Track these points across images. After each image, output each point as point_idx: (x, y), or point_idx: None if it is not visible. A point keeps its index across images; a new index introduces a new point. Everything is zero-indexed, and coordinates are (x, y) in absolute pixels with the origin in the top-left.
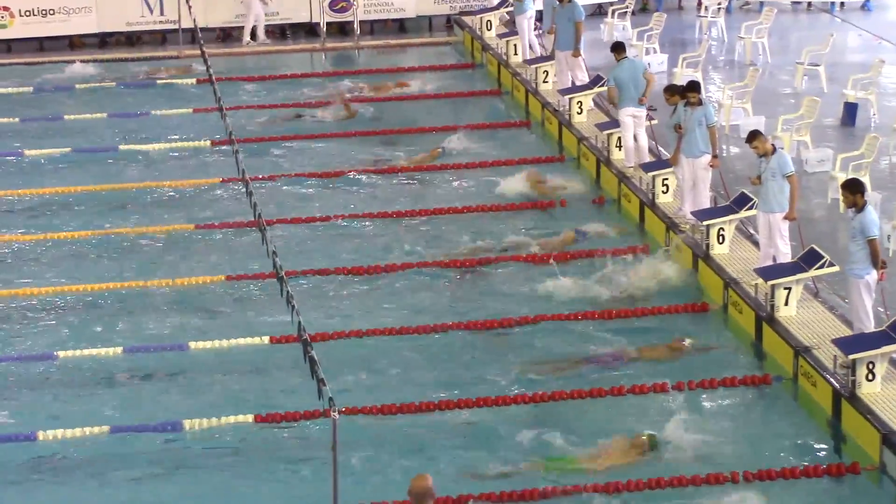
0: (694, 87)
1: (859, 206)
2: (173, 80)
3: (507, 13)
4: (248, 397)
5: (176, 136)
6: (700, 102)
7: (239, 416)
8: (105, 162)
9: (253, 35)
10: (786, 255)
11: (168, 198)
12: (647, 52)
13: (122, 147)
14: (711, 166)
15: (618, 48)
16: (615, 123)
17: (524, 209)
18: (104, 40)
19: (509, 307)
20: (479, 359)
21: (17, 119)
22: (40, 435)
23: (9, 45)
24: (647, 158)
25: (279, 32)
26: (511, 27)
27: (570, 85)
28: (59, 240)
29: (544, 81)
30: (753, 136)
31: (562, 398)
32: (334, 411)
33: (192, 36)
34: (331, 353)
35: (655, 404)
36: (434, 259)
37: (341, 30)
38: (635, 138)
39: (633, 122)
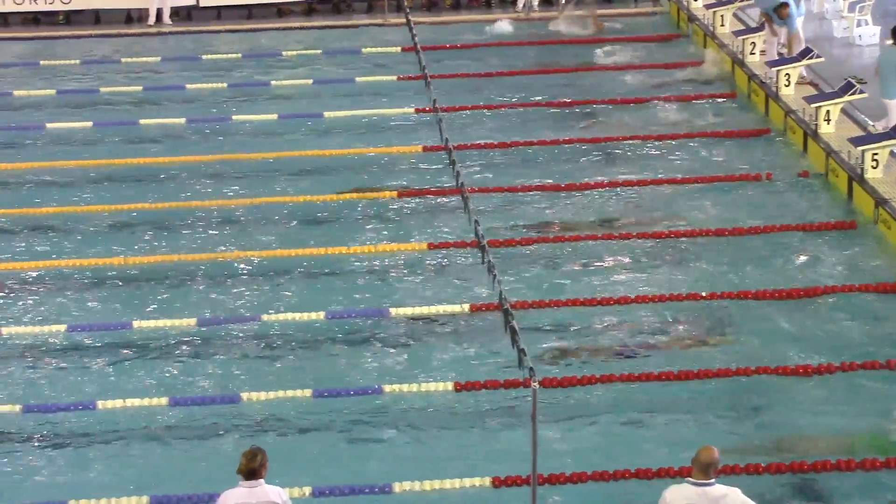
0: None
1: None
2: (378, 49)
3: None
4: (447, 365)
5: (380, 104)
6: None
7: (438, 384)
8: (309, 129)
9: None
10: None
11: (371, 165)
12: (859, 24)
13: (326, 114)
14: None
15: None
16: (824, 96)
17: (729, 181)
18: (311, 7)
19: (704, 282)
20: (679, 331)
21: (224, 85)
22: (244, 397)
23: (218, 12)
24: None
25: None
26: None
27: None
28: (262, 206)
29: (751, 53)
30: None
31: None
32: (534, 381)
33: (398, 4)
34: (532, 322)
35: None
36: (636, 231)
37: None
38: None
39: None
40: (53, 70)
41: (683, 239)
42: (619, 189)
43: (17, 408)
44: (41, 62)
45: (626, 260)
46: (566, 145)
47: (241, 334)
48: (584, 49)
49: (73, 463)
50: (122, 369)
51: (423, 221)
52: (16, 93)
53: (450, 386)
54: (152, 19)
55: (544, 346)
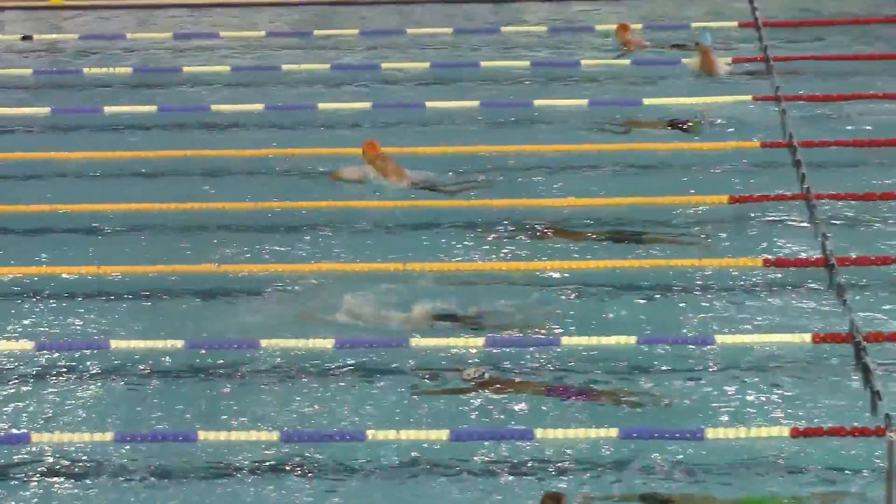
0: None
1: None
2: (710, 24)
3: None
4: (783, 405)
5: (710, 89)
6: None
7: (772, 429)
8: (622, 117)
9: None
10: None
11: (697, 163)
12: None
13: (645, 101)
14: None
15: None
16: None
17: None
18: None
19: None
20: None
21: (527, 63)
22: (538, 433)
23: None
24: None
25: None
26: None
27: None
28: (564, 209)
29: None
30: None
31: None
32: (891, 431)
33: None
34: (889, 360)
35: None
36: None
37: None
38: None
39: None
40: (328, 41)
41: None
42: None
43: (275, 435)
44: (314, 32)
45: None
46: None
47: (538, 359)
48: None
49: (338, 494)
50: (391, 395)
51: (759, 233)
52: (285, 67)
53: (786, 431)
54: None
55: None
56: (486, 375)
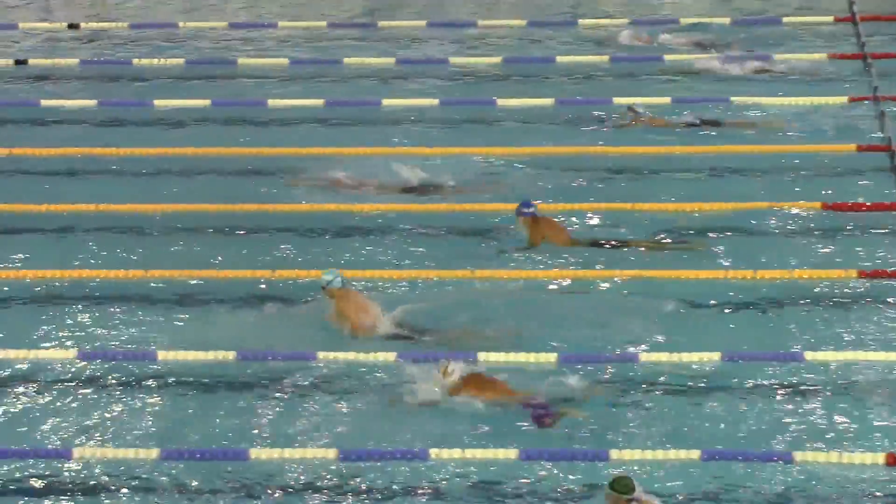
0: None
1: None
2: (805, 18)
3: None
4: (879, 430)
5: (803, 89)
6: None
7: (865, 455)
8: (711, 116)
9: None
10: None
11: (788, 166)
12: None
13: (733, 99)
14: None
15: None
16: None
17: None
18: None
19: None
20: None
21: (606, 58)
22: (614, 455)
23: None
24: None
25: None
26: None
27: None
28: (630, 213)
29: None
30: None
31: None
32: None
33: None
34: None
35: None
36: None
37: None
38: None
39: None
40: (393, 33)
41: None
42: None
43: (333, 453)
44: (379, 23)
45: None
46: None
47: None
48: None
49: None
50: (456, 412)
51: (854, 242)
52: (346, 60)
53: (880, 458)
54: None
55: None
56: (456, 373)
